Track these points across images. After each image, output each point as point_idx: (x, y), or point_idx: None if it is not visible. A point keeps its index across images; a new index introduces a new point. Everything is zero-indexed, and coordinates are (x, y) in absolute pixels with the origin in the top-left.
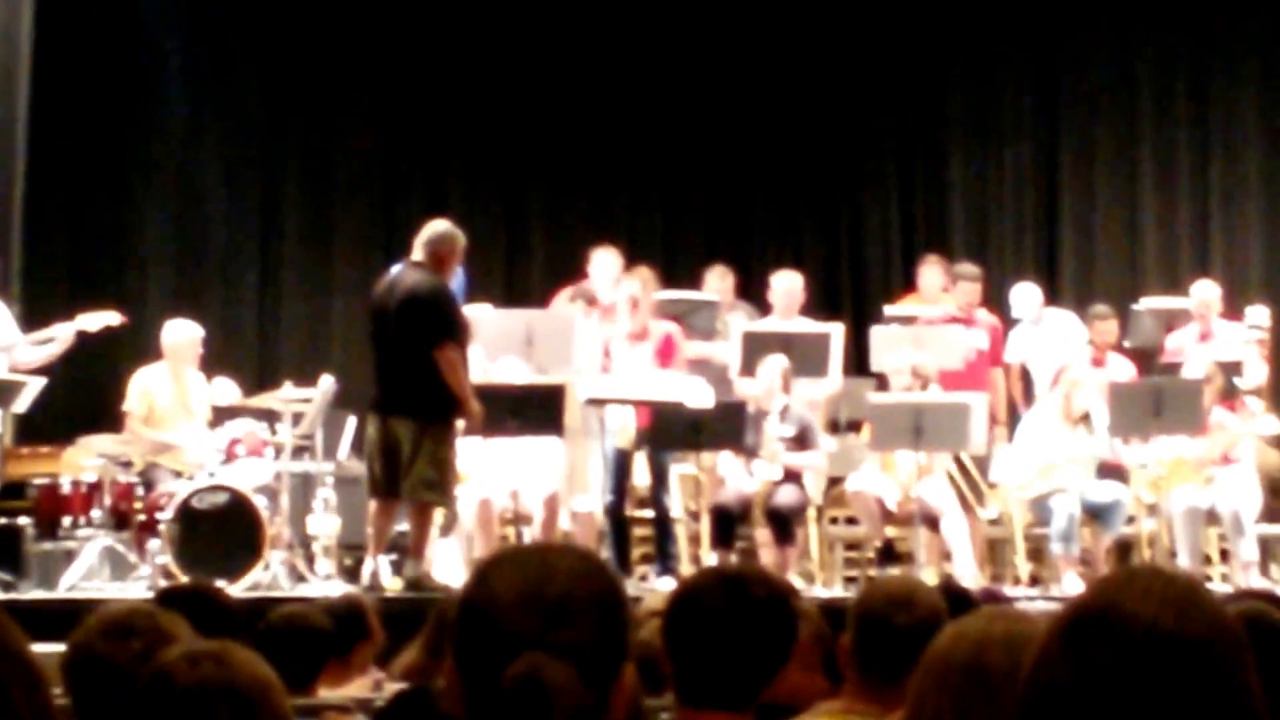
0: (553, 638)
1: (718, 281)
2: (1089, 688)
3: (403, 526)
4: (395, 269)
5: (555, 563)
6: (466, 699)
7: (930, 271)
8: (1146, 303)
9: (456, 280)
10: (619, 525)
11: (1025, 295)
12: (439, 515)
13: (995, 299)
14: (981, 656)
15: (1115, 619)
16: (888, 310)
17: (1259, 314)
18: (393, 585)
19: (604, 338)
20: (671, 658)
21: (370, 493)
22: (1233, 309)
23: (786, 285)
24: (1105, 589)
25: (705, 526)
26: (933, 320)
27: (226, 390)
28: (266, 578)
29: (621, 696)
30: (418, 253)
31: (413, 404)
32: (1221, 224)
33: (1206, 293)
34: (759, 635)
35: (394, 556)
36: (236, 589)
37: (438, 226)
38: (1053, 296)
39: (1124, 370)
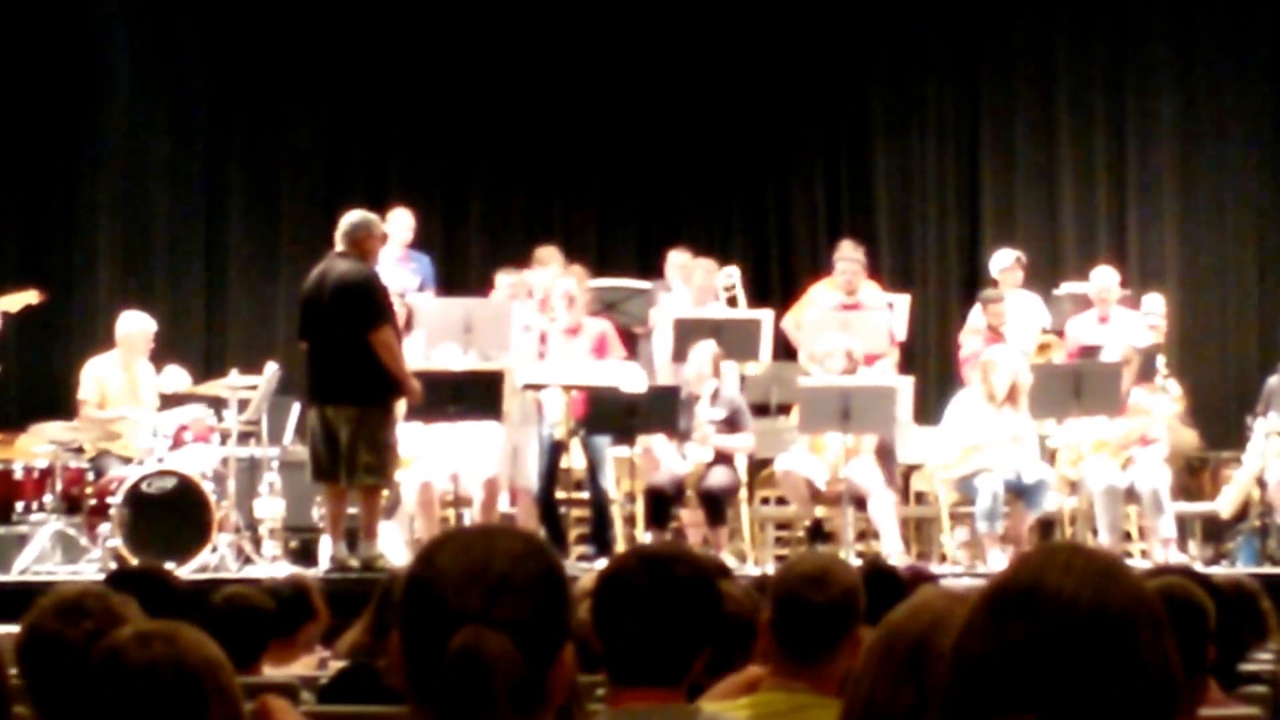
0: (495, 614)
1: (678, 267)
2: (1012, 660)
3: (349, 509)
4: (322, 263)
5: (498, 543)
6: (410, 673)
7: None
8: (1066, 288)
9: (422, 267)
10: (549, 509)
11: (1004, 261)
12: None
13: (921, 282)
14: (928, 634)
15: (1037, 593)
16: (819, 296)
17: (1154, 302)
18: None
19: (540, 326)
20: (600, 636)
21: (314, 478)
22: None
23: (704, 272)
24: (1028, 564)
25: (640, 508)
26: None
27: (177, 378)
28: (214, 560)
29: (562, 676)
30: (340, 244)
31: (349, 391)
32: (1137, 212)
33: (1106, 279)
34: (683, 613)
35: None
36: (185, 571)
37: (353, 217)
38: (973, 282)
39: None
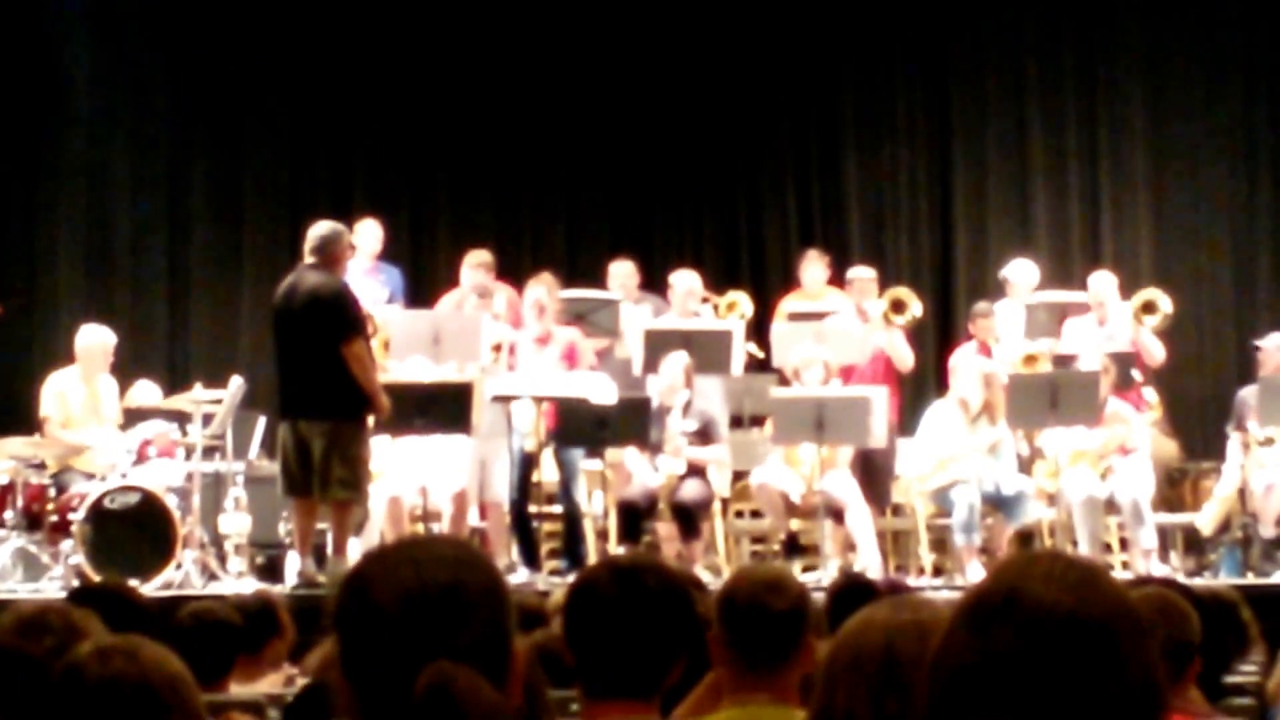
0: (445, 640)
1: (622, 277)
2: (993, 669)
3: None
4: (291, 275)
5: (430, 565)
6: (361, 708)
7: (812, 267)
8: (1040, 297)
9: (391, 279)
10: (523, 522)
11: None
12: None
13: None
14: (892, 644)
15: (1018, 602)
16: (789, 308)
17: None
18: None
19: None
20: (572, 650)
21: (286, 492)
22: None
23: (686, 284)
24: (1007, 573)
25: (613, 521)
26: (826, 312)
27: (148, 392)
28: (179, 576)
29: (517, 682)
30: (310, 256)
31: (322, 405)
32: (1111, 219)
33: (1103, 283)
34: (654, 625)
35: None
36: (149, 588)
37: (322, 228)
38: (947, 291)
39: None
